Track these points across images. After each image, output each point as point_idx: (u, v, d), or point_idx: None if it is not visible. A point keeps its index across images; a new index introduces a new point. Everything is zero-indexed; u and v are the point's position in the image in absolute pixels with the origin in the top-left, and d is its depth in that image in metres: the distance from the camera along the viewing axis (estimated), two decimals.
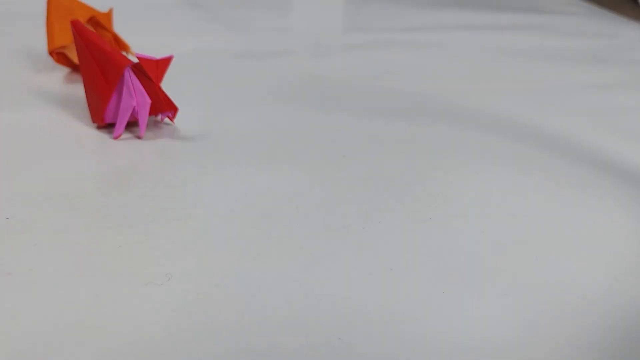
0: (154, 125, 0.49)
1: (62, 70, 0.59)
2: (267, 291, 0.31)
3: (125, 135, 0.47)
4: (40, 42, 0.65)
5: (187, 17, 0.79)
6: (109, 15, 0.60)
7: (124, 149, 0.45)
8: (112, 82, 0.46)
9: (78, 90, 0.55)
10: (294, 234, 0.35)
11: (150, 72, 0.46)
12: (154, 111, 0.47)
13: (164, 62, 0.47)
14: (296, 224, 0.36)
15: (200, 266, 0.32)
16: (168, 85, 0.49)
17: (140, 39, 0.64)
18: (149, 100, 0.46)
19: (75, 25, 0.46)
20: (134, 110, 0.46)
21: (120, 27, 0.64)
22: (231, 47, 0.70)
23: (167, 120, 0.49)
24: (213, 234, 0.35)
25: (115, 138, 0.46)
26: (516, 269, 0.33)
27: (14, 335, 0.27)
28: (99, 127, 0.48)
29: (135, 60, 0.48)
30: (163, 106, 0.47)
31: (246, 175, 0.42)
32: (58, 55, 0.57)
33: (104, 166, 0.43)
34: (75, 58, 0.56)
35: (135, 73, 0.45)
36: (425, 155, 0.46)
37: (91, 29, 0.57)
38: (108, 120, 0.47)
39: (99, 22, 0.58)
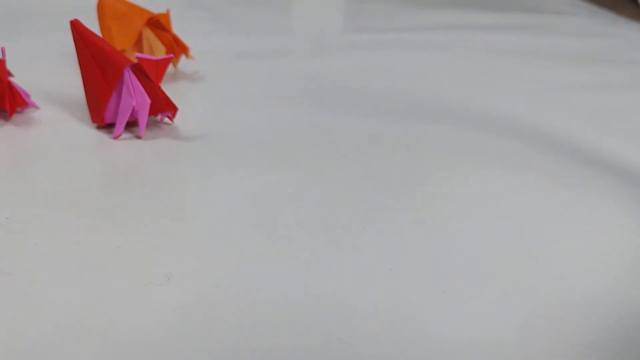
0: (154, 125, 0.49)
1: (62, 70, 0.59)
2: (267, 291, 0.31)
3: (125, 135, 0.47)
4: (44, 41, 0.65)
5: (187, 17, 0.79)
6: (167, 15, 0.59)
7: (124, 149, 0.45)
8: (112, 82, 0.46)
9: (78, 90, 0.55)
10: (294, 234, 0.35)
11: (150, 72, 0.46)
12: (153, 111, 0.47)
13: (164, 62, 0.47)
14: (296, 224, 0.36)
15: (200, 266, 0.32)
16: (168, 85, 0.49)
17: None
18: (148, 100, 0.46)
19: (74, 25, 0.46)
20: (133, 110, 0.46)
21: None
22: (231, 47, 0.70)
23: (167, 120, 0.49)
24: (213, 234, 0.35)
25: (115, 138, 0.46)
26: (516, 269, 0.33)
27: (14, 335, 0.27)
28: (99, 127, 0.48)
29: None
30: (163, 106, 0.47)
31: (246, 175, 0.42)
32: None
33: (104, 166, 0.43)
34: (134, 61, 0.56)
35: (134, 73, 0.45)
36: (425, 155, 0.46)
37: (149, 31, 0.57)
38: (108, 120, 0.47)
39: (159, 23, 0.57)
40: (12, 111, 0.47)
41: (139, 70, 0.45)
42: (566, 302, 0.31)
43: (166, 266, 0.32)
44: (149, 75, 0.45)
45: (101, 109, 0.46)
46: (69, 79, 0.57)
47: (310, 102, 0.56)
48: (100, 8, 0.57)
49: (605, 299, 0.31)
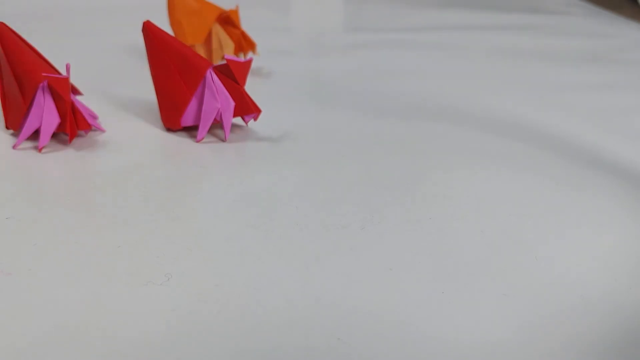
0: (156, 123, 0.49)
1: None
2: (267, 291, 0.31)
3: (124, 135, 0.47)
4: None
5: None
6: (236, 12, 0.59)
7: (123, 149, 0.45)
8: (192, 84, 0.45)
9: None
10: (294, 234, 0.35)
11: (236, 73, 0.45)
12: (239, 113, 0.46)
13: (248, 64, 0.46)
14: (296, 224, 0.36)
15: (200, 266, 0.32)
16: None
17: (140, 40, 0.64)
18: (232, 102, 0.45)
19: (147, 26, 0.46)
20: (217, 112, 0.45)
21: (120, 27, 0.64)
22: None
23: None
24: (213, 234, 0.35)
25: (198, 141, 0.46)
26: (516, 269, 0.33)
27: (14, 335, 0.27)
28: (169, 131, 0.47)
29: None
30: (249, 108, 0.46)
31: (246, 175, 0.42)
32: None
33: (103, 166, 0.43)
34: (206, 57, 0.56)
35: (217, 75, 0.45)
36: (425, 155, 0.46)
37: (219, 27, 0.57)
38: (185, 124, 0.46)
39: (229, 19, 0.57)
40: (73, 134, 0.44)
41: (222, 72, 0.45)
42: (566, 303, 0.31)
43: (166, 266, 0.32)
44: (236, 77, 0.45)
45: (178, 113, 0.46)
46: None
47: (309, 102, 0.56)
48: (172, 3, 0.57)
49: (605, 300, 0.31)
